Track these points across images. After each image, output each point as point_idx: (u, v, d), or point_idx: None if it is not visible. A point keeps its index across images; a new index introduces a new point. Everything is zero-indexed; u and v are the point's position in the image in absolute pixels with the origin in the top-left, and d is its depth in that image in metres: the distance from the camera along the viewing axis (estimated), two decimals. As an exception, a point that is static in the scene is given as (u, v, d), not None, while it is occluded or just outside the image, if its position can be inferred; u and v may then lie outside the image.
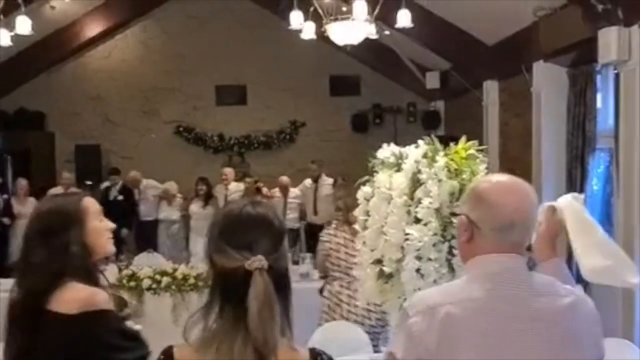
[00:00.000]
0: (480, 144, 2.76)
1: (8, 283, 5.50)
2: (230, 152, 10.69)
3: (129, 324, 2.09)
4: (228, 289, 1.44)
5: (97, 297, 1.93)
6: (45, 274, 1.94)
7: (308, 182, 9.02)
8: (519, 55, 6.61)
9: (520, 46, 6.60)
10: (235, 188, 8.94)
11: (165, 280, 5.45)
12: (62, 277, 1.94)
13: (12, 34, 6.19)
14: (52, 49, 9.92)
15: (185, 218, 8.69)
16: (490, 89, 7.85)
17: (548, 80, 6.19)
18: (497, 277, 1.54)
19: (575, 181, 5.79)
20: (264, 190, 8.84)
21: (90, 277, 2.01)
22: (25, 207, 8.65)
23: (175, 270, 5.55)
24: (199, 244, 8.53)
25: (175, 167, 9.89)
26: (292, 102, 10.62)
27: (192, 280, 5.46)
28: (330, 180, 8.78)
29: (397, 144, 9.47)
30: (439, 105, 10.34)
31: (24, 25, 5.89)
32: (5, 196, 8.75)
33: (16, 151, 9.79)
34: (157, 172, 9.41)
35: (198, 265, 5.86)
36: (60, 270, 1.95)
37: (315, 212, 8.82)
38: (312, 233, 7.74)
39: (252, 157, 10.68)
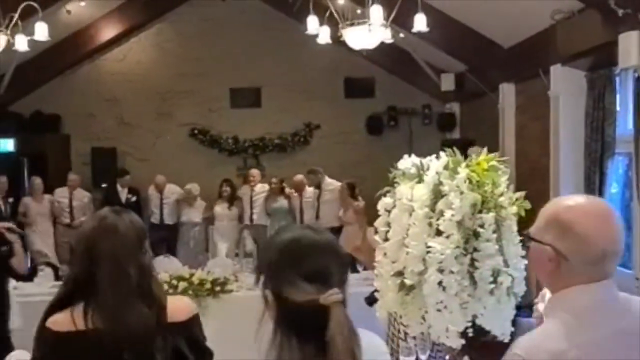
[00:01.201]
0: (496, 147, 2.74)
1: (26, 287, 5.51)
2: (244, 155, 10.70)
3: None
4: (301, 325, 1.34)
5: (192, 302, 2.15)
6: (160, 290, 2.06)
7: (310, 189, 9.02)
8: (536, 59, 6.55)
9: (537, 49, 6.55)
10: (261, 189, 8.99)
11: (182, 285, 5.46)
12: None
13: (29, 38, 6.22)
14: (68, 52, 9.98)
15: (207, 220, 8.73)
16: (507, 92, 7.80)
17: (566, 84, 6.14)
18: (603, 309, 1.49)
19: (593, 186, 5.73)
20: (287, 190, 8.89)
21: None
22: (42, 206, 8.73)
23: (192, 275, 5.56)
24: (222, 245, 8.57)
25: (190, 170, 9.92)
26: (306, 105, 10.61)
27: (208, 285, 5.48)
28: (335, 184, 8.73)
29: (411, 146, 9.53)
30: (454, 107, 10.29)
31: (41, 31, 5.92)
32: (11, 200, 8.77)
33: (32, 154, 9.87)
34: (172, 175, 9.45)
35: (215, 269, 5.87)
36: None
37: (317, 217, 8.83)
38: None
39: (267, 159, 10.69)
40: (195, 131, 10.69)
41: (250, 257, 8.10)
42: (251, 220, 8.86)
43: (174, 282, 5.47)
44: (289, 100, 10.59)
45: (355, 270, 6.61)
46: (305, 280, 1.35)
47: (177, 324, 1.98)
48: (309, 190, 9.00)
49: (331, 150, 10.38)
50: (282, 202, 8.86)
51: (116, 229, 1.98)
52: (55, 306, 1.98)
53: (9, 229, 4.35)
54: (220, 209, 8.71)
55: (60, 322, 1.93)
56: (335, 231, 8.41)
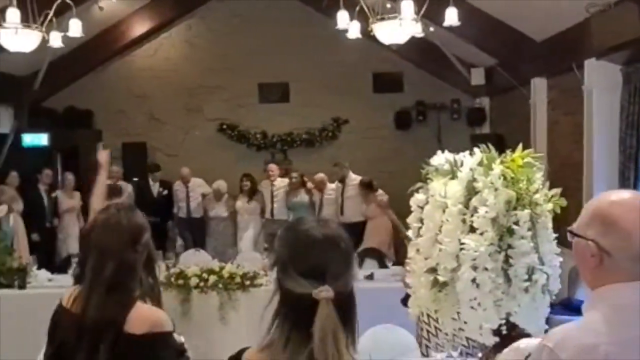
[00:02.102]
0: (527, 142, 2.71)
1: (60, 279, 5.62)
2: (272, 150, 10.74)
3: (175, 336, 2.15)
4: (295, 313, 1.45)
5: (163, 319, 2.03)
6: (130, 294, 2.01)
7: (335, 184, 9.01)
8: (570, 52, 6.45)
9: (571, 43, 6.44)
10: (281, 183, 9.01)
11: (212, 278, 5.51)
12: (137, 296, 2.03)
13: (63, 34, 6.31)
14: (100, 48, 10.12)
15: (233, 215, 8.80)
16: (539, 86, 7.69)
17: (600, 78, 6.03)
18: None
19: (628, 182, 5.63)
20: (309, 184, 8.90)
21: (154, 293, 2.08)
22: (73, 201, 8.89)
23: (222, 268, 5.61)
24: (245, 240, 8.64)
25: (219, 164, 9.99)
26: (334, 100, 10.60)
27: (238, 279, 5.51)
28: (358, 179, 8.72)
29: (440, 141, 9.46)
30: (484, 102, 10.18)
31: (75, 27, 6.01)
32: (54, 194, 8.97)
33: (65, 148, 10.04)
34: (200, 169, 9.53)
35: (244, 263, 5.92)
36: (137, 289, 2.05)
37: (342, 212, 8.82)
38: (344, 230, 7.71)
39: (295, 154, 10.71)
40: (224, 126, 10.75)
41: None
42: (272, 214, 8.89)
43: (205, 275, 5.52)
44: (317, 95, 10.59)
45: (384, 266, 6.60)
46: (300, 275, 1.44)
47: (129, 335, 1.97)
48: (330, 187, 9.00)
49: (359, 145, 10.36)
50: (302, 197, 8.87)
51: (109, 223, 2.09)
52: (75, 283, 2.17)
53: None
54: (240, 203, 8.77)
55: (67, 297, 2.12)
56: (361, 226, 8.42)
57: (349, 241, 1.54)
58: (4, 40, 5.63)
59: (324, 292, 1.41)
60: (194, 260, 6.21)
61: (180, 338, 2.19)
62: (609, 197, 1.57)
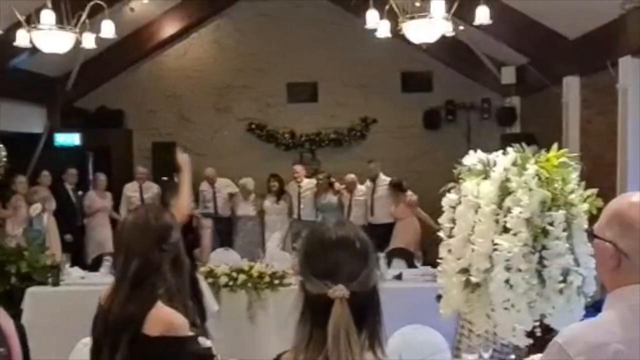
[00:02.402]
0: (559, 141, 2.66)
1: (92, 277, 5.71)
2: (301, 149, 10.75)
3: (201, 340, 2.13)
4: (314, 314, 1.48)
5: (178, 323, 2.03)
6: (152, 293, 2.03)
7: (368, 183, 8.99)
8: (604, 50, 6.33)
9: (605, 40, 6.33)
10: (308, 184, 9.02)
11: (241, 277, 5.53)
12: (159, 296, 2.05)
13: (95, 36, 6.40)
14: (131, 49, 10.25)
15: (261, 214, 8.83)
16: (571, 85, 7.57)
17: (636, 76, 5.91)
18: None
19: (664, 182, 5.52)
20: (336, 185, 8.88)
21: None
22: (104, 201, 9.01)
23: (251, 267, 5.62)
24: (273, 240, 8.67)
25: (247, 164, 10.04)
26: (363, 99, 10.57)
27: (267, 279, 5.52)
28: (387, 180, 8.69)
29: (470, 141, 9.33)
30: (515, 101, 10.05)
31: (108, 29, 6.09)
32: (80, 192, 9.09)
33: (96, 148, 10.19)
34: (229, 169, 9.59)
35: (273, 262, 5.93)
36: (160, 288, 2.06)
37: (372, 213, 8.79)
38: (372, 232, 7.66)
39: (323, 154, 10.70)
40: (253, 126, 10.80)
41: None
42: (299, 216, 8.89)
43: (234, 274, 5.54)
44: (346, 94, 10.57)
45: (412, 266, 6.56)
46: (315, 276, 1.48)
47: (144, 336, 1.99)
48: (360, 188, 8.98)
49: (388, 145, 10.31)
50: (331, 198, 8.86)
51: (137, 223, 2.14)
52: None
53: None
54: (268, 203, 8.80)
55: (104, 294, 2.20)
56: (390, 227, 8.39)
57: (367, 241, 1.55)
58: (38, 42, 5.74)
59: (338, 292, 1.44)
60: (223, 259, 6.24)
61: (206, 342, 2.18)
62: (629, 198, 1.56)
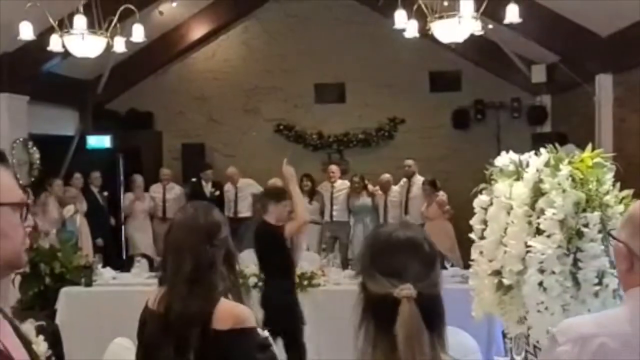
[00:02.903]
0: (592, 140, 2.62)
1: (123, 277, 5.79)
2: (329, 150, 10.74)
3: (259, 331, 2.15)
4: (378, 315, 1.44)
5: (247, 314, 2.05)
6: (213, 290, 2.04)
7: (403, 180, 8.94)
8: (638, 47, 6.21)
9: (638, 37, 6.20)
10: (341, 185, 9.01)
11: (270, 278, 5.53)
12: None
13: (126, 39, 6.49)
14: (160, 51, 10.36)
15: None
16: (604, 83, 7.43)
17: (671, 74, 5.78)
18: None
19: (701, 182, 5.38)
20: (370, 187, 8.85)
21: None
22: (142, 202, 9.13)
23: (280, 268, 5.63)
24: (303, 240, 8.66)
25: (276, 165, 9.98)
26: (391, 99, 10.53)
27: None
28: (422, 180, 8.64)
29: (499, 140, 9.20)
30: (545, 100, 9.90)
31: (138, 33, 6.17)
32: (105, 193, 9.20)
33: (127, 150, 10.32)
34: (258, 170, 9.62)
35: (302, 263, 5.93)
36: (219, 284, 2.08)
37: (406, 212, 8.73)
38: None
39: (351, 154, 10.68)
40: (281, 127, 10.82)
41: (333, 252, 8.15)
42: (331, 217, 8.87)
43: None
44: (373, 95, 10.54)
45: (442, 267, 6.52)
46: (381, 274, 1.44)
47: (215, 331, 1.99)
48: (395, 189, 8.93)
49: (416, 145, 10.25)
50: (365, 200, 8.83)
51: (185, 221, 2.13)
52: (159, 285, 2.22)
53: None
54: None
55: (152, 299, 2.17)
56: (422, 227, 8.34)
57: (434, 246, 1.53)
58: (71, 46, 5.84)
59: (406, 290, 1.39)
60: (251, 260, 6.26)
61: (264, 332, 2.21)
62: None
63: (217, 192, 9.40)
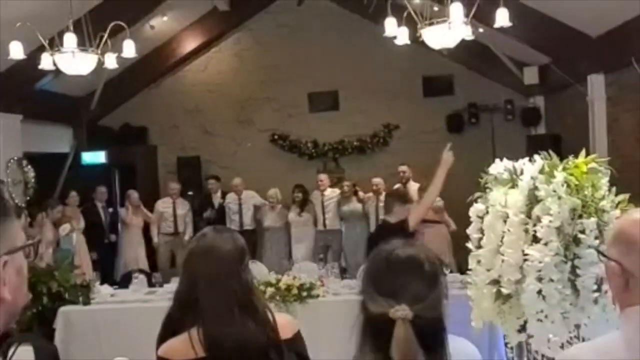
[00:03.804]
0: (586, 141, 2.62)
1: (122, 294, 5.75)
2: (324, 158, 10.75)
3: None
4: (373, 335, 1.44)
5: (293, 318, 2.13)
6: (262, 310, 2.02)
7: (396, 186, 8.92)
8: (629, 47, 6.23)
9: (629, 37, 6.22)
10: (331, 194, 8.98)
11: (270, 290, 5.51)
12: None
13: (117, 55, 6.47)
14: (152, 66, 10.36)
15: (287, 225, 8.82)
16: (596, 83, 7.45)
17: (663, 72, 5.79)
18: None
19: (697, 179, 5.38)
20: (360, 194, 8.82)
21: None
22: (138, 217, 9.09)
23: (278, 280, 5.61)
24: (299, 251, 8.65)
25: (271, 175, 10.05)
26: (384, 105, 10.54)
27: (295, 291, 5.50)
28: (417, 186, 8.62)
29: (494, 143, 9.19)
30: (539, 101, 9.93)
31: (129, 49, 6.15)
32: (110, 209, 9.21)
33: (122, 165, 10.31)
34: (254, 180, 9.60)
35: (301, 274, 5.91)
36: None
37: None
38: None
39: (346, 162, 10.69)
40: (275, 137, 10.83)
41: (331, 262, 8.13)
42: (324, 225, 8.84)
43: (262, 287, 5.52)
44: (367, 101, 10.55)
45: (442, 274, 6.48)
46: (379, 294, 1.43)
47: (287, 340, 2.00)
48: None
49: (411, 151, 10.24)
50: (355, 206, 8.80)
51: (213, 247, 1.98)
52: (167, 329, 1.99)
53: None
54: (293, 215, 8.78)
55: (178, 350, 1.90)
56: (417, 234, 8.31)
57: (437, 265, 1.51)
58: (62, 65, 5.82)
59: (400, 312, 1.38)
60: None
61: None
62: (632, 215, 1.52)
63: (213, 213, 9.34)
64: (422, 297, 1.42)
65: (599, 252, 1.57)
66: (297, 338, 2.06)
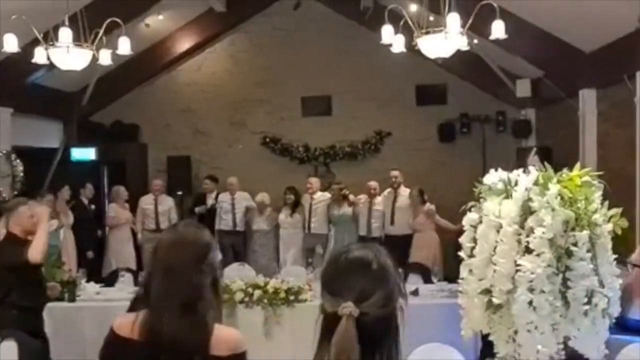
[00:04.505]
0: (575, 155, 2.65)
1: (107, 292, 5.70)
2: (315, 163, 10.75)
3: None
4: (328, 332, 1.49)
5: (242, 339, 2.00)
6: (206, 316, 1.95)
7: (388, 190, 8.94)
8: (621, 64, 6.29)
9: (622, 54, 6.28)
10: (321, 197, 8.97)
11: (257, 293, 5.50)
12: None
13: (111, 51, 6.44)
14: (146, 64, 10.32)
15: (276, 228, 8.81)
16: (587, 98, 7.51)
17: (654, 90, 5.85)
18: None
19: (685, 197, 5.44)
20: (351, 197, 8.82)
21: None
22: (125, 213, 9.04)
23: (266, 283, 5.60)
24: (288, 254, 8.63)
25: (262, 178, 10.04)
26: (377, 112, 10.57)
27: (282, 294, 5.49)
28: (407, 191, 8.66)
29: (485, 154, 9.23)
30: (530, 113, 9.99)
31: (124, 46, 6.12)
32: (93, 206, 9.13)
33: (112, 162, 10.25)
34: (244, 183, 9.56)
35: (289, 277, 5.90)
36: (210, 310, 1.98)
37: (392, 222, 8.72)
38: (390, 244, 7.53)
39: (338, 167, 10.70)
40: (267, 139, 10.82)
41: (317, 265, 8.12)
42: (309, 228, 8.82)
43: (250, 290, 5.51)
44: (360, 108, 10.58)
45: (429, 281, 6.51)
46: (329, 293, 1.51)
47: (217, 357, 1.92)
48: (378, 199, 8.90)
49: (402, 158, 10.26)
50: (345, 210, 8.79)
51: (176, 240, 2.02)
52: (131, 307, 2.04)
53: None
54: (283, 216, 8.77)
55: (124, 326, 1.97)
56: (409, 239, 8.34)
57: (387, 265, 1.53)
58: (56, 59, 5.78)
59: (346, 309, 1.44)
60: (238, 275, 6.22)
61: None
62: None
63: (204, 209, 9.33)
64: (368, 296, 1.47)
65: (629, 263, 1.57)
66: (232, 358, 1.94)
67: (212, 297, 1.99)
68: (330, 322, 1.47)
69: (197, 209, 9.36)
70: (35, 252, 4.39)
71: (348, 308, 1.43)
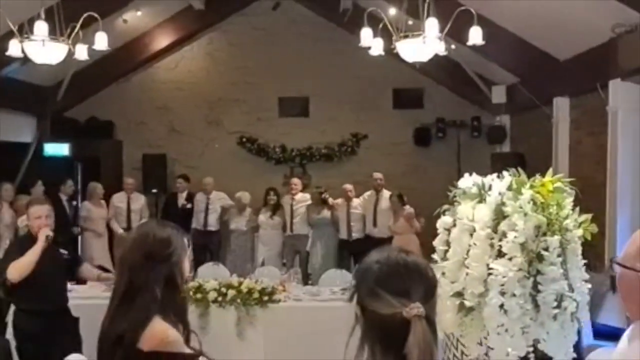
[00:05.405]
0: (548, 161, 2.69)
1: (79, 290, 5.61)
2: (291, 164, 10.75)
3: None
4: (385, 336, 1.43)
5: (171, 339, 2.00)
6: (143, 309, 1.98)
7: (368, 193, 8.98)
8: (594, 72, 6.41)
9: (595, 63, 6.40)
10: (302, 198, 8.98)
11: (231, 293, 5.48)
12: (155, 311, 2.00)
13: (87, 46, 6.36)
14: (122, 60, 10.22)
15: (253, 229, 8.78)
16: (561, 106, 7.64)
17: (625, 99, 5.99)
18: None
19: (653, 205, 5.56)
20: (330, 200, 8.83)
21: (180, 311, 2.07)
22: (101, 211, 8.93)
23: (240, 283, 5.58)
24: (265, 255, 8.60)
25: (238, 177, 10.01)
26: (354, 115, 10.61)
27: (256, 295, 5.48)
28: (388, 194, 8.72)
29: (460, 158, 9.34)
30: (505, 120, 10.12)
31: (101, 41, 6.06)
32: (74, 203, 9.03)
33: (86, 158, 10.13)
34: (220, 182, 9.53)
35: (263, 278, 5.89)
36: (151, 304, 2.02)
37: (375, 224, 8.76)
38: (370, 246, 7.55)
39: (313, 168, 10.71)
40: (244, 139, 10.79)
41: (294, 266, 8.11)
42: (292, 229, 8.83)
43: (223, 289, 5.49)
44: (337, 110, 10.60)
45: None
46: (390, 295, 1.44)
47: (138, 350, 1.98)
48: (356, 202, 8.94)
49: (378, 161, 10.32)
50: (324, 214, 8.81)
51: (130, 238, 2.17)
52: None
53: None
54: (263, 217, 8.75)
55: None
56: (389, 243, 8.38)
57: (434, 275, 1.56)
58: (31, 52, 5.70)
59: (416, 309, 1.40)
60: (211, 274, 6.20)
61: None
62: None
63: (189, 205, 9.26)
64: (429, 299, 1.47)
65: (617, 263, 1.57)
66: (155, 356, 1.97)
67: (164, 292, 2.02)
68: (386, 326, 1.43)
69: (180, 204, 9.32)
70: (15, 272, 4.29)
71: (419, 308, 1.41)
